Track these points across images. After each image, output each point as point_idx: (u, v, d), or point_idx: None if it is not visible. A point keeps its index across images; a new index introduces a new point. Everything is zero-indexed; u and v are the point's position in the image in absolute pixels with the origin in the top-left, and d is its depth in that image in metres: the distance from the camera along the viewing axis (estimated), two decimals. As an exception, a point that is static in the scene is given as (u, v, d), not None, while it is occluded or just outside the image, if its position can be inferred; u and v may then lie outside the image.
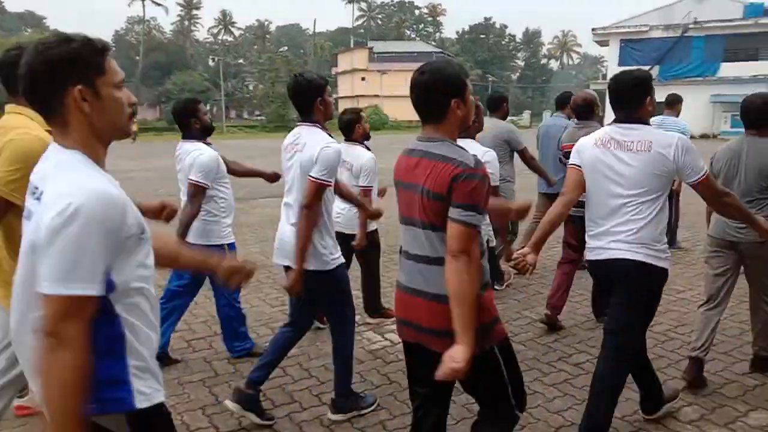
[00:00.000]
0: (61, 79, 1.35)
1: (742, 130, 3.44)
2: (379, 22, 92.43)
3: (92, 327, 1.31)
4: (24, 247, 1.38)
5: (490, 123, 5.01)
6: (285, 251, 3.00)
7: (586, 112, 4.55)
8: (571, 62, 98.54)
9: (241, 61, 75.81)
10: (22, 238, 1.40)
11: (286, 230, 3.01)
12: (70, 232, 1.25)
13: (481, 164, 1.93)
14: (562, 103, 5.77)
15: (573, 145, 2.70)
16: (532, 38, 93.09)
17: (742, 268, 3.51)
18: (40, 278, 1.28)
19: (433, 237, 1.96)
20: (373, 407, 3.25)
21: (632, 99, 2.69)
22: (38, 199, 1.34)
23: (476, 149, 3.54)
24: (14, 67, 2.25)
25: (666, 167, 2.56)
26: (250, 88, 63.77)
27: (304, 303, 3.14)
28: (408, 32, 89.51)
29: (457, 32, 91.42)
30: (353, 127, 4.12)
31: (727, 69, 35.25)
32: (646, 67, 37.63)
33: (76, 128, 1.38)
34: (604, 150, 2.67)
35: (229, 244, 3.71)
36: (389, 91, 52.81)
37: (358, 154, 4.06)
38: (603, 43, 42.24)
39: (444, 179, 1.87)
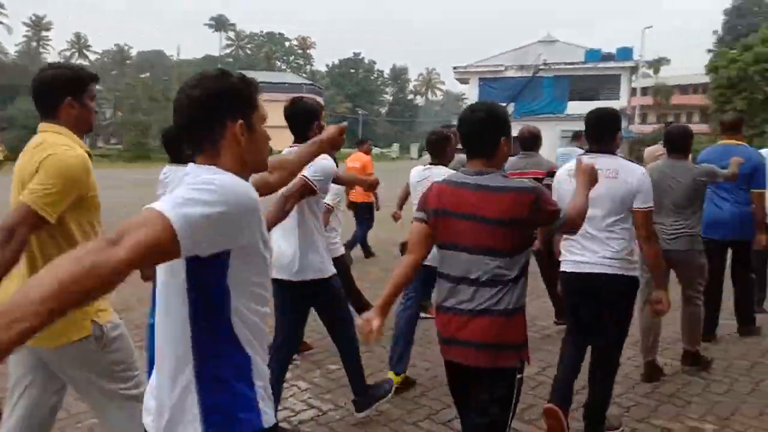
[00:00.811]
0: (224, 113, 1.42)
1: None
2: (249, 51, 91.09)
3: (223, 352, 1.40)
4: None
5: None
6: (281, 265, 3.09)
7: (531, 144, 4.97)
8: (435, 98, 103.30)
9: (97, 87, 70.67)
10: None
11: (281, 244, 3.12)
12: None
13: (536, 184, 2.24)
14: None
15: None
16: (399, 74, 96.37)
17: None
18: None
19: (500, 262, 2.13)
20: (390, 394, 3.52)
21: (608, 133, 3.12)
22: None
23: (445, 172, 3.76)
24: (47, 87, 2.23)
25: (629, 192, 2.96)
26: (107, 115, 59.67)
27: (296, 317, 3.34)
28: (278, 63, 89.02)
29: (327, 65, 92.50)
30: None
31: (573, 107, 38.51)
32: (503, 104, 40.53)
33: (228, 159, 1.43)
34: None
35: None
36: (259, 122, 51.51)
37: None
38: (464, 81, 44.50)
39: (522, 206, 2.10)
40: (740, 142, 4.87)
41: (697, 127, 44.23)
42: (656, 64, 64.18)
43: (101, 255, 1.08)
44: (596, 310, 3.09)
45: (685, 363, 4.20)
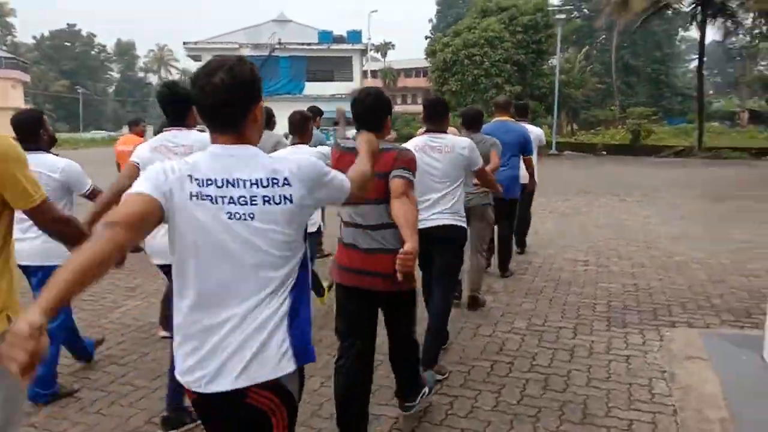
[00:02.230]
0: (251, 96, 1.65)
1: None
2: None
3: (303, 296, 1.74)
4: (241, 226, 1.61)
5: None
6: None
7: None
8: (170, 77, 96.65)
9: None
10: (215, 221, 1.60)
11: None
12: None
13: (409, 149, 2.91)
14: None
15: None
16: (125, 50, 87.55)
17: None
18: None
19: (384, 209, 2.71)
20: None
21: (443, 115, 3.91)
22: (286, 183, 1.64)
23: (307, 150, 4.23)
24: None
25: (462, 162, 3.75)
26: None
27: None
28: (-34, 33, 73.54)
29: (35, 37, 79.71)
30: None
31: (311, 88, 38.69)
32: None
33: (248, 137, 1.67)
34: (422, 154, 3.65)
35: None
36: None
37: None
38: (196, 58, 41.68)
39: (389, 161, 2.69)
40: (511, 119, 6.09)
41: (421, 108, 48.29)
42: (383, 47, 68.54)
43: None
44: (440, 251, 3.79)
45: (471, 308, 5.07)
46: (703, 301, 5.25)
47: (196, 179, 1.59)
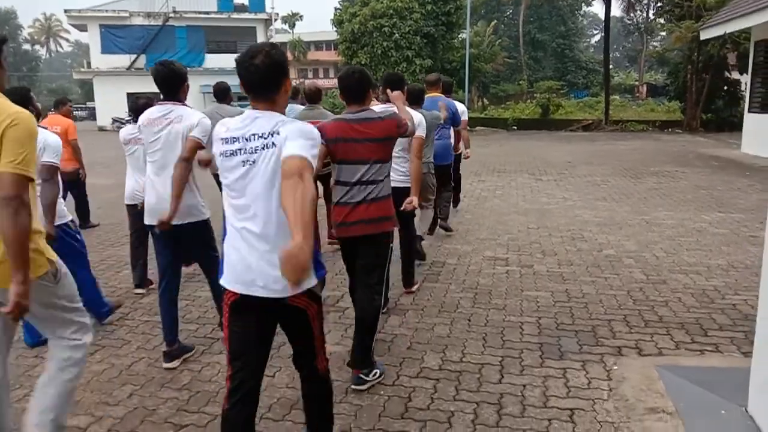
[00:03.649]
0: (284, 73, 2.18)
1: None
2: None
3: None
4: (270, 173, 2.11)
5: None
6: (157, 211, 3.55)
7: (316, 98, 6.05)
8: (61, 49, 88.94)
9: None
10: (264, 168, 2.12)
11: (161, 193, 3.60)
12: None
13: (394, 112, 3.62)
14: (296, 94, 7.01)
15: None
16: (5, 19, 79.14)
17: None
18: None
19: (381, 167, 3.36)
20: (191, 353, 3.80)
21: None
22: (277, 133, 2.10)
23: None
24: None
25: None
26: None
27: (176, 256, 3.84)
28: None
29: None
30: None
31: (212, 60, 36.08)
32: (132, 56, 35.89)
33: (280, 105, 2.20)
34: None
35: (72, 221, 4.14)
36: None
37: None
38: (81, 28, 38.03)
39: (391, 127, 3.38)
40: (441, 94, 6.51)
41: (332, 81, 46.69)
42: (291, 19, 65.77)
43: (308, 186, 1.86)
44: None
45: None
46: (648, 313, 4.38)
47: (224, 139, 2.18)
